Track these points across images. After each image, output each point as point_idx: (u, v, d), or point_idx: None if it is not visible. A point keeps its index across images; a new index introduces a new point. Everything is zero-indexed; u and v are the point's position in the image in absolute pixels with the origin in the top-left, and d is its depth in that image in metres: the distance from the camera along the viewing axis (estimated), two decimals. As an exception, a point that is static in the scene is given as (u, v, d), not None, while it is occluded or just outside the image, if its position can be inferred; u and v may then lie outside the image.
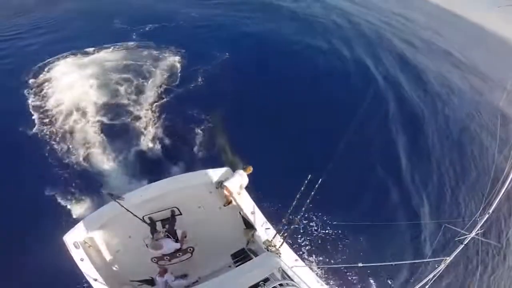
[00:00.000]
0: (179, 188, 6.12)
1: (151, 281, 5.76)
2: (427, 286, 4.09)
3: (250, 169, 6.42)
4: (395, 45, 19.21)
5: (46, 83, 11.69)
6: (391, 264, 7.48)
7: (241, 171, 6.19)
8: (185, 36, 15.17)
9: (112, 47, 13.78)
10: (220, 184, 6.39)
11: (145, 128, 10.45)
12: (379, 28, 21.45)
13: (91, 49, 13.47)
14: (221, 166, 6.44)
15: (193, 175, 6.39)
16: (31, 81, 11.72)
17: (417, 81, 15.44)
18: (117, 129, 10.30)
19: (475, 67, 20.22)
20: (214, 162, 9.13)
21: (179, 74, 12.82)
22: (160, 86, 12.18)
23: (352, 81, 14.08)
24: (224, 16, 17.68)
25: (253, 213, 5.88)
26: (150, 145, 9.93)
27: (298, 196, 5.08)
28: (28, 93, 11.22)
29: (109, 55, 13.37)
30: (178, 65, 13.27)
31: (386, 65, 16.10)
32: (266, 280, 4.36)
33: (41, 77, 11.95)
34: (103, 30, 14.99)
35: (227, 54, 14.13)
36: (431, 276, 4.10)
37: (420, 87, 15.05)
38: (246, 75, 13.30)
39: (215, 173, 6.35)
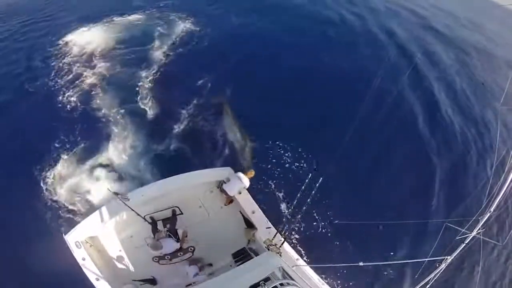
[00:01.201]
0: (180, 188, 6.14)
1: (153, 281, 5.78)
2: (428, 286, 4.09)
3: (252, 173, 6.41)
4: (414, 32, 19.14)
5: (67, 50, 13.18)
6: (392, 263, 7.49)
7: (241, 174, 6.17)
8: (200, 9, 16.38)
9: (127, 16, 15.28)
10: (221, 184, 6.40)
11: (147, 115, 10.56)
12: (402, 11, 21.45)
13: (108, 19, 14.90)
14: (224, 163, 6.45)
15: (194, 175, 6.40)
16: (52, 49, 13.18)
17: (421, 78, 15.38)
18: (119, 117, 10.41)
19: (481, 62, 20.05)
20: (215, 160, 9.15)
21: (189, 46, 13.67)
22: (168, 54, 13.10)
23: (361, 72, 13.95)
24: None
25: (254, 212, 5.89)
26: (150, 140, 9.81)
27: (299, 195, 5.08)
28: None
29: (125, 22, 14.91)
30: (189, 34, 14.39)
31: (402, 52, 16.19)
32: (267, 279, 4.38)
33: (62, 45, 13.45)
34: (120, 5, 16.37)
35: (240, 32, 15.00)
36: (432, 275, 4.11)
37: (425, 85, 14.98)
38: (254, 58, 13.58)
39: (216, 173, 6.36)
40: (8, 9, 16.99)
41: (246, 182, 6.13)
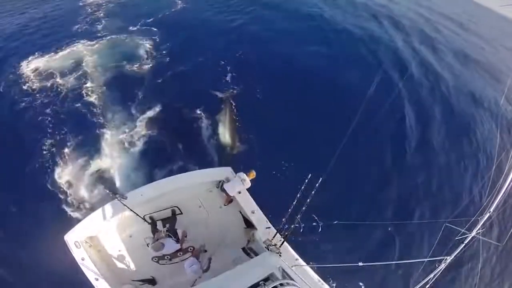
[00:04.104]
0: (179, 187, 6.12)
1: (152, 281, 5.77)
2: (427, 286, 4.08)
3: (253, 175, 6.30)
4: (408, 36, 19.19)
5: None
6: (392, 264, 7.48)
7: (243, 175, 6.12)
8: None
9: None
10: (220, 184, 6.38)
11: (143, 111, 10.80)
12: (397, 16, 21.68)
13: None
14: (223, 162, 6.42)
15: (193, 174, 6.39)
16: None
17: (422, 78, 15.35)
18: (116, 112, 10.71)
19: (481, 63, 20.04)
20: (214, 160, 9.15)
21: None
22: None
23: (358, 77, 13.99)
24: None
25: (253, 212, 5.87)
26: (147, 137, 9.99)
27: (298, 195, 5.07)
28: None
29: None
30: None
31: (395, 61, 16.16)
32: (266, 279, 4.37)
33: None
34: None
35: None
36: (431, 275, 4.10)
37: (426, 85, 14.96)
38: (251, 66, 13.60)
39: (216, 173, 6.34)
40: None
41: (248, 183, 6.10)
